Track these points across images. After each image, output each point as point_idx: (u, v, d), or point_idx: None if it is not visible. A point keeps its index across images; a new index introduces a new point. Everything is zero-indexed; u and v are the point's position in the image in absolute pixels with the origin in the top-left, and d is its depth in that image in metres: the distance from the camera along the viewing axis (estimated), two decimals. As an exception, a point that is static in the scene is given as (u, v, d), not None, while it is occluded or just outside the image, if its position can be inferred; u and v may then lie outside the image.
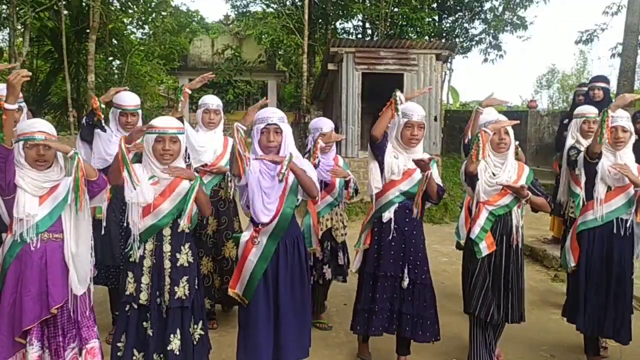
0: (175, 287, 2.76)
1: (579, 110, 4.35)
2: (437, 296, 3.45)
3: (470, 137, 3.38)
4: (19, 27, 11.00)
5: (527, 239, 5.93)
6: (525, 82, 45.41)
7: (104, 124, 3.67)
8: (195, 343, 2.85)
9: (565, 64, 64.98)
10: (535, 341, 4.03)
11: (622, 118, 3.30)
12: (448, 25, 18.44)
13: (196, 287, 2.87)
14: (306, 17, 14.67)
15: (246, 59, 18.55)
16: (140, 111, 3.87)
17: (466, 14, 17.73)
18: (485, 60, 18.56)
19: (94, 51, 11.31)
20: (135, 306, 2.76)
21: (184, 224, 2.80)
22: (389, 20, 16.08)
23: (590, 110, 4.22)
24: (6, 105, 2.35)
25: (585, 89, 5.62)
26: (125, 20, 15.04)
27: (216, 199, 4.03)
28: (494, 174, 3.25)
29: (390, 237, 3.27)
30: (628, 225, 3.34)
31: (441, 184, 3.33)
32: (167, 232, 2.79)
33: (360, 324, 3.39)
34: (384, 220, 3.29)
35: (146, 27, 15.99)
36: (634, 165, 3.37)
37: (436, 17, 17.81)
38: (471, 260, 3.33)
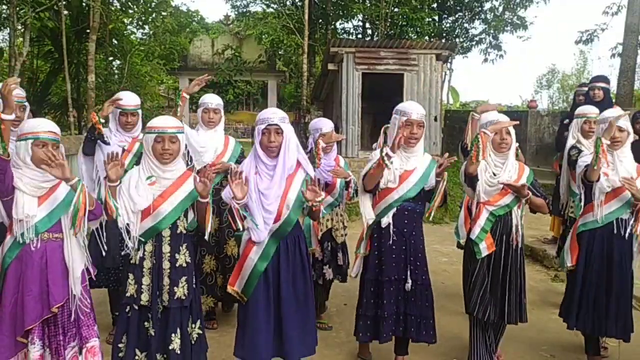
0: (175, 288, 2.77)
1: (580, 110, 4.36)
2: (438, 296, 3.46)
3: (468, 143, 3.38)
4: (19, 27, 11.00)
5: (527, 239, 5.93)
6: (525, 82, 45.58)
7: (105, 138, 3.66)
8: (193, 342, 2.85)
9: (566, 64, 65.13)
10: (536, 341, 4.03)
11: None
12: (448, 25, 18.45)
13: (194, 286, 2.88)
14: (306, 17, 14.68)
15: (246, 59, 18.56)
16: (140, 111, 3.87)
17: (466, 14, 17.74)
18: (485, 60, 18.59)
19: (94, 51, 11.31)
20: (136, 307, 2.76)
21: (182, 225, 2.81)
22: (389, 20, 16.08)
23: (591, 110, 4.22)
24: (3, 116, 2.37)
25: (586, 88, 5.61)
26: (125, 20, 15.04)
27: (217, 198, 4.03)
28: (494, 174, 3.25)
29: (390, 242, 3.25)
30: (628, 225, 3.34)
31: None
32: (166, 233, 2.78)
33: (365, 330, 3.34)
34: (383, 225, 3.26)
35: (146, 27, 16.00)
36: (633, 164, 3.38)
37: (436, 17, 17.82)
38: (471, 260, 3.33)
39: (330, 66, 11.36)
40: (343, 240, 4.13)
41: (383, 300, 3.25)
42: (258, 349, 2.82)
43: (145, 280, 2.75)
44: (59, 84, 14.87)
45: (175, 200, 2.74)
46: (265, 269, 2.84)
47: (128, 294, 2.75)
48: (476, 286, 3.27)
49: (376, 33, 16.80)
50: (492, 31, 17.66)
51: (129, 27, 15.80)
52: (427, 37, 16.56)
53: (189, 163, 3.76)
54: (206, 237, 2.89)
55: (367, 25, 18.27)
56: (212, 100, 4.05)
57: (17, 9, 10.60)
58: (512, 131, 3.24)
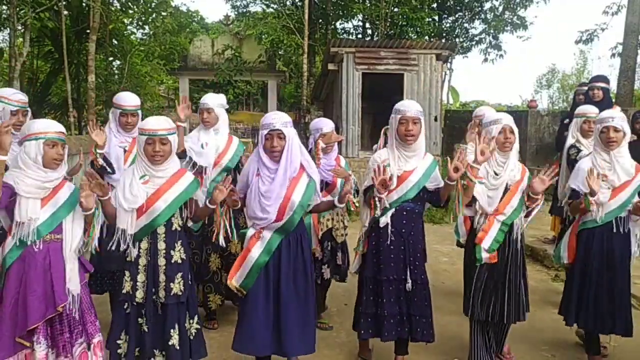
0: (171, 284, 2.82)
1: (580, 109, 4.36)
2: (438, 296, 3.47)
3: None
4: (20, 27, 11.00)
5: (528, 239, 5.93)
6: (525, 82, 45.59)
7: (107, 168, 3.66)
8: (192, 338, 2.91)
9: (566, 64, 65.07)
10: (536, 341, 4.03)
11: (614, 118, 3.32)
12: (448, 25, 18.46)
13: (190, 282, 2.93)
14: (306, 17, 14.68)
15: (246, 59, 18.53)
16: (140, 111, 3.88)
17: (466, 13, 17.75)
18: (485, 60, 18.60)
19: (94, 51, 11.30)
20: (133, 304, 2.82)
21: (177, 222, 2.87)
22: (389, 20, 16.09)
23: (591, 110, 4.23)
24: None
25: (586, 88, 5.62)
26: (125, 20, 15.04)
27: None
28: (496, 174, 3.26)
29: (388, 242, 3.25)
30: (625, 223, 3.39)
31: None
32: (161, 230, 2.84)
33: (366, 328, 3.34)
34: (381, 225, 3.25)
35: (146, 27, 15.99)
36: (632, 163, 3.39)
37: (436, 17, 17.83)
38: (472, 261, 3.34)
39: (330, 66, 11.36)
40: (343, 240, 4.13)
41: (382, 299, 3.26)
42: (256, 342, 2.86)
43: (141, 278, 2.82)
44: (59, 84, 14.88)
45: (169, 198, 2.81)
46: (267, 264, 2.88)
47: (124, 291, 2.82)
48: (476, 286, 3.28)
49: (376, 33, 16.81)
50: (492, 31, 17.68)
51: (129, 27, 15.81)
52: (427, 37, 16.56)
53: (194, 167, 3.85)
54: (221, 241, 3.04)
55: (367, 25, 18.28)
56: (206, 100, 4.07)
57: (17, 9, 10.60)
58: (516, 130, 3.25)
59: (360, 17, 17.73)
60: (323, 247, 4.03)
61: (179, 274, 2.85)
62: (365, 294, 3.34)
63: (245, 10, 20.88)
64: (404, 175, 3.22)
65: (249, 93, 24.29)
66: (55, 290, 2.58)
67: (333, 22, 17.88)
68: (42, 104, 13.93)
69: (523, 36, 19.50)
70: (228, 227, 3.05)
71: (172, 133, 2.84)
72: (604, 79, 5.53)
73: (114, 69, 15.32)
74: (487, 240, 3.23)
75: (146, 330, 2.81)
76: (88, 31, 11.90)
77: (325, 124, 4.00)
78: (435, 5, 17.54)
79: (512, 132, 3.21)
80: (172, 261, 2.84)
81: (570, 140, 4.21)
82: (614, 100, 8.44)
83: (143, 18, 15.13)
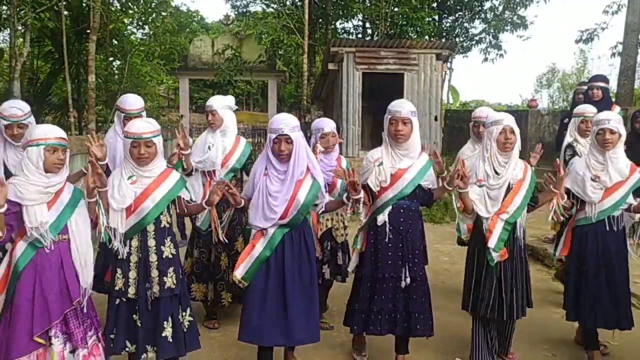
0: (164, 278, 2.93)
1: (578, 109, 4.38)
2: (439, 296, 3.47)
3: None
4: (20, 27, 10.99)
5: (528, 238, 5.91)
6: (525, 81, 45.71)
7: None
8: (185, 330, 2.99)
9: (566, 63, 65.10)
10: (537, 340, 4.04)
11: (610, 121, 3.36)
12: (448, 24, 18.48)
13: (181, 276, 3.03)
14: (306, 17, 14.69)
15: (246, 59, 18.55)
16: (144, 113, 3.92)
17: (466, 13, 17.76)
18: (486, 59, 18.61)
19: (95, 51, 11.29)
20: (125, 300, 2.91)
21: (166, 219, 2.98)
22: (389, 20, 16.10)
23: (589, 110, 4.26)
24: None
25: (585, 87, 5.63)
26: (125, 20, 15.02)
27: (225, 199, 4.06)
28: (497, 173, 3.27)
29: (386, 240, 3.27)
30: (620, 222, 3.45)
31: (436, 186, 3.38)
32: (150, 228, 2.95)
33: (358, 323, 3.39)
34: (379, 223, 3.28)
35: (146, 27, 15.96)
36: (627, 164, 3.43)
37: (436, 17, 17.84)
38: (475, 259, 3.36)
39: (331, 66, 11.37)
40: (343, 240, 4.14)
41: (375, 296, 3.29)
42: (262, 332, 2.93)
43: (132, 274, 2.92)
44: (59, 85, 14.87)
45: (157, 197, 2.92)
46: (271, 257, 2.97)
47: (117, 288, 2.92)
48: (479, 284, 3.30)
49: (376, 33, 16.83)
50: (492, 30, 17.70)
51: (129, 27, 15.78)
52: (427, 37, 16.59)
53: (203, 174, 4.03)
54: (222, 238, 3.27)
55: (367, 25, 18.30)
56: (211, 102, 4.16)
57: (18, 9, 10.59)
58: (517, 130, 3.26)
59: (360, 16, 17.75)
60: (323, 247, 4.04)
61: (171, 268, 2.96)
62: (362, 292, 3.36)
63: (245, 10, 20.93)
64: (399, 173, 3.25)
65: (249, 93, 24.33)
66: (69, 287, 2.68)
67: (333, 22, 17.90)
68: (42, 104, 13.93)
69: (523, 36, 19.56)
70: (217, 224, 3.35)
71: (156, 135, 2.92)
72: (603, 78, 5.55)
73: (114, 69, 15.31)
74: (493, 240, 3.25)
75: (140, 325, 2.89)
76: (88, 31, 11.89)
77: (326, 124, 4.02)
78: (435, 4, 17.56)
79: (512, 132, 3.23)
80: (164, 256, 2.95)
81: (567, 139, 4.22)
82: (613, 99, 8.45)
83: (143, 18, 15.11)
